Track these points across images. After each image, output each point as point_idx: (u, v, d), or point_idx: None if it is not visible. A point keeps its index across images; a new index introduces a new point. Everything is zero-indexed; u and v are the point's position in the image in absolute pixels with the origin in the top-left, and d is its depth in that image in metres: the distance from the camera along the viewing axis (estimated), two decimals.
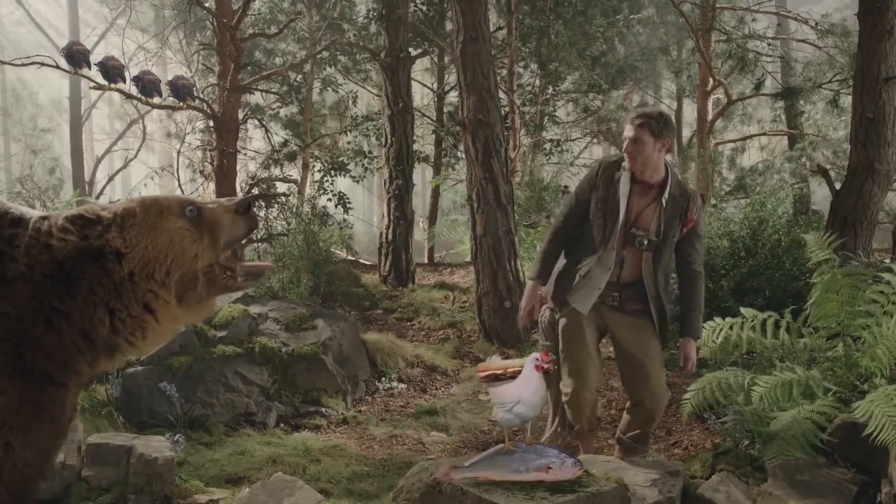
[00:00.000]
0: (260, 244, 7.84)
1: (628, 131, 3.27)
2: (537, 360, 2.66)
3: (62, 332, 1.78)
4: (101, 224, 1.85)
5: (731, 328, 3.88)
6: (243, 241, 2.09)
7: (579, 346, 3.35)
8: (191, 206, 1.92)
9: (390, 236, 8.16)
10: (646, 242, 3.28)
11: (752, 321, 3.88)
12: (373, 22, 10.24)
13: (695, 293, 3.36)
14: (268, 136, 10.48)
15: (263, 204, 8.16)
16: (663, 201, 3.27)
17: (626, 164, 3.29)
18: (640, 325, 3.35)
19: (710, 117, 10.29)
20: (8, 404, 1.74)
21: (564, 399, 3.43)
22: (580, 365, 3.34)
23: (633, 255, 3.31)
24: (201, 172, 9.96)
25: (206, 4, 7.80)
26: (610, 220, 3.29)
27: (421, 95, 13.16)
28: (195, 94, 7.33)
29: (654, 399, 3.36)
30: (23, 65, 7.01)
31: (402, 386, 5.35)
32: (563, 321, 3.41)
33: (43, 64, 6.86)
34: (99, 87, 6.95)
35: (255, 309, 5.16)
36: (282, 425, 4.57)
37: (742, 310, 4.00)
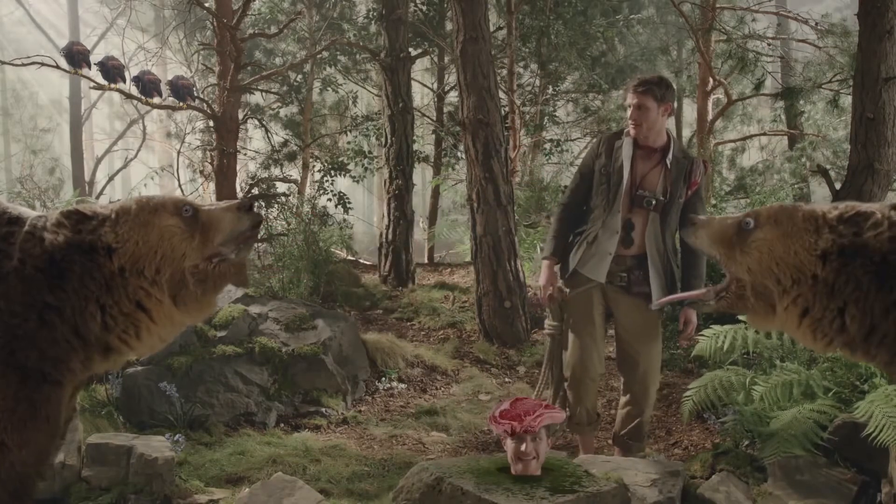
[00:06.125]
0: (260, 244, 7.84)
1: (631, 98, 3.30)
2: None
3: (55, 328, 1.78)
4: (96, 219, 1.85)
5: (734, 334, 3.87)
6: (248, 245, 2.07)
7: (587, 333, 3.39)
8: (187, 206, 1.92)
9: (390, 236, 8.15)
10: (654, 202, 3.29)
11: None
12: (373, 22, 10.23)
13: (697, 260, 3.39)
14: (268, 136, 10.47)
15: (263, 204, 8.16)
16: (668, 163, 3.30)
17: (630, 130, 3.32)
18: (644, 312, 3.37)
19: (710, 117, 10.27)
20: (3, 403, 1.73)
21: (566, 383, 3.46)
22: (585, 351, 3.39)
23: (640, 219, 3.33)
24: (201, 172, 9.96)
25: (206, 4, 7.80)
26: (613, 183, 3.33)
27: (421, 95, 13.15)
28: (195, 94, 7.33)
29: (642, 389, 3.41)
30: (23, 65, 7.00)
31: (402, 386, 5.34)
32: (572, 305, 3.43)
33: (43, 64, 6.86)
34: (99, 87, 6.95)
35: (255, 309, 5.15)
36: (282, 425, 4.57)
37: (742, 317, 3.98)
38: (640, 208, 3.32)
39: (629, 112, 3.32)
